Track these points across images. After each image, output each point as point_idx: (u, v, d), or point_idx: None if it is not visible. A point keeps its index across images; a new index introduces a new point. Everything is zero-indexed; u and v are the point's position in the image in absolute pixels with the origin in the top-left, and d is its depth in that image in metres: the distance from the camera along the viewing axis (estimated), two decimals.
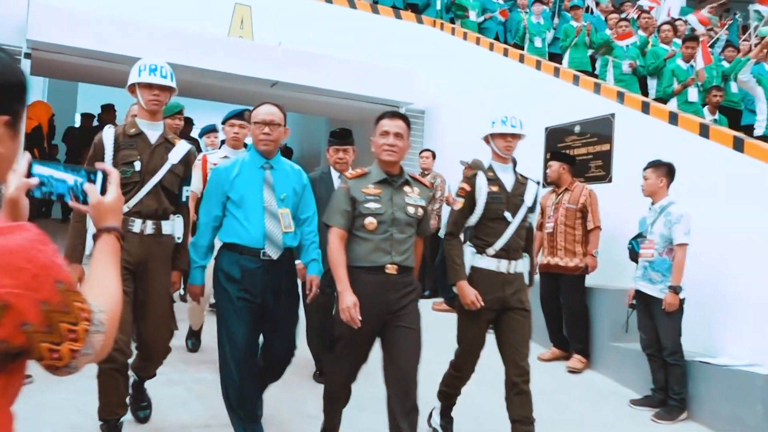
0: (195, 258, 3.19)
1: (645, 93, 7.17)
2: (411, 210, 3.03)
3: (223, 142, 5.06)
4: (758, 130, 5.69)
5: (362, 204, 2.98)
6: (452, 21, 9.41)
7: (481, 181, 3.47)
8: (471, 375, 3.60)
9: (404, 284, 3.01)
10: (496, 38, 8.89)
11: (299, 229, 3.24)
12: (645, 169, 4.55)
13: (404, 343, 2.98)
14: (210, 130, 5.89)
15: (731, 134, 4.90)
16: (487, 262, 3.45)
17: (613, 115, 5.85)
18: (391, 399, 2.91)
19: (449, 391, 3.69)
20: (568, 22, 8.39)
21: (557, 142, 6.45)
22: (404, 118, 3.12)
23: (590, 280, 5.24)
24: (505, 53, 7.62)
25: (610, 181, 5.83)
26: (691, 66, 6.73)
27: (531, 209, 3.57)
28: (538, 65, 7.05)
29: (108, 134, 3.16)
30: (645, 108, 5.59)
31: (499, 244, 3.44)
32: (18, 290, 0.93)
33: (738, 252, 4.62)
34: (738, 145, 4.76)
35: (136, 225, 3.12)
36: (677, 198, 4.47)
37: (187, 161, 3.31)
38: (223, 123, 4.61)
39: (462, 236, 3.57)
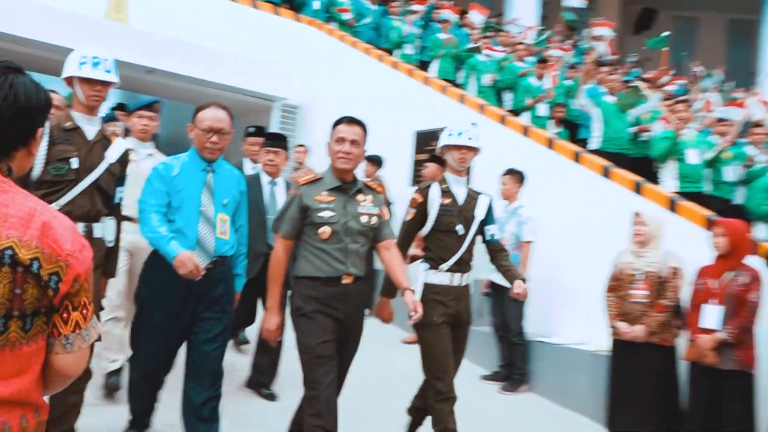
0: (155, 236, 2.86)
1: (501, 104, 8.00)
2: (364, 219, 2.98)
3: (126, 131, 4.76)
4: (593, 145, 6.61)
5: (315, 212, 2.90)
6: (328, 21, 9.78)
7: (434, 192, 3.39)
8: (454, 394, 3.32)
9: (358, 293, 3.01)
10: (369, 43, 9.38)
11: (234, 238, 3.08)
12: (503, 175, 5.23)
13: (341, 360, 3.00)
14: (109, 119, 5.39)
15: (572, 148, 5.72)
16: (440, 278, 3.37)
17: (474, 123, 6.53)
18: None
19: (444, 427, 3.30)
20: (435, 32, 9.05)
21: (425, 145, 7.06)
22: (361, 124, 3.02)
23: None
24: (380, 59, 8.13)
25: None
26: (542, 84, 7.60)
27: (485, 222, 3.51)
28: (410, 73, 7.62)
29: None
30: (502, 120, 6.33)
31: (453, 259, 3.37)
32: (76, 255, 1.29)
33: (573, 250, 5.43)
34: (576, 158, 5.59)
35: None
36: (526, 202, 5.19)
37: (124, 160, 3.13)
38: (130, 113, 4.31)
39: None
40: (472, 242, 3.46)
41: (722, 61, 18.51)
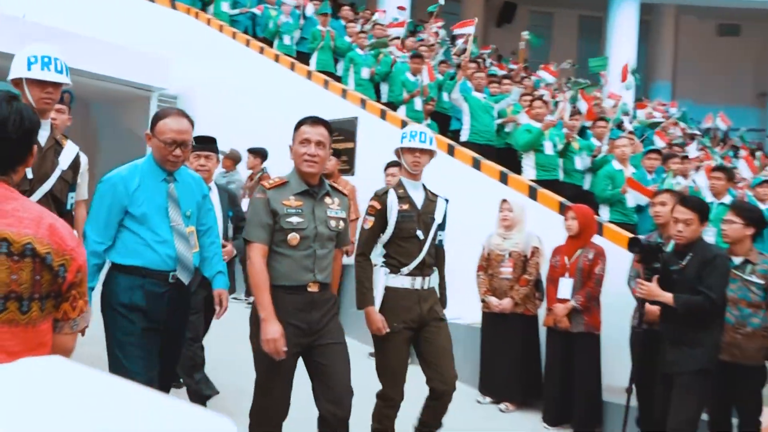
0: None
1: (379, 96, 8.45)
2: (333, 223, 2.90)
3: None
4: (463, 137, 7.23)
5: (284, 218, 2.78)
6: (203, 8, 9.75)
7: (392, 199, 3.34)
8: (401, 401, 3.37)
9: (325, 301, 2.90)
10: (245, 32, 9.48)
11: (200, 243, 2.93)
12: (389, 167, 5.65)
13: (333, 360, 2.86)
14: None
15: (446, 141, 6.27)
16: (401, 281, 3.33)
17: (356, 118, 6.93)
18: (327, 417, 2.82)
19: (382, 427, 3.42)
20: (314, 24, 9.32)
21: None
22: (326, 124, 2.91)
23: (346, 260, 6.24)
24: (261, 51, 8.30)
25: (353, 174, 6.91)
26: (417, 79, 8.12)
27: (441, 227, 3.51)
28: (293, 66, 7.87)
29: None
30: (383, 114, 6.77)
31: (414, 263, 3.33)
32: (77, 250, 1.61)
33: (448, 235, 5.97)
34: (450, 151, 6.14)
35: None
36: None
37: (75, 165, 2.96)
38: None
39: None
40: (432, 245, 3.43)
41: (574, 55, 20.16)
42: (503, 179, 5.87)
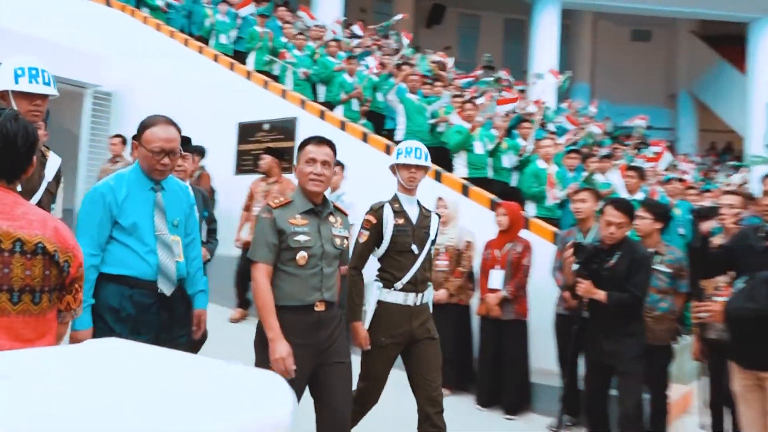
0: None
1: (316, 96, 8.67)
2: (338, 242, 2.93)
3: None
4: (398, 137, 7.56)
5: (291, 236, 2.79)
6: (138, 6, 9.68)
7: (387, 213, 3.38)
8: (372, 407, 3.45)
9: (332, 319, 2.91)
10: (182, 30, 9.49)
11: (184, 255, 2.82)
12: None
13: (336, 382, 2.88)
14: None
15: (383, 141, 6.58)
16: (394, 297, 3.34)
17: (296, 118, 7.14)
18: None
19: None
20: (251, 24, 9.44)
21: (248, 136, 7.52)
22: (331, 144, 2.94)
23: None
24: (200, 51, 8.36)
25: (291, 172, 7.11)
26: (354, 80, 8.38)
27: (433, 241, 3.55)
28: (232, 66, 7.99)
29: None
30: (322, 115, 7.02)
31: (407, 277, 3.35)
32: (77, 248, 1.86)
33: None
34: (387, 150, 6.46)
35: None
36: (347, 189, 5.94)
37: (58, 176, 2.95)
38: None
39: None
40: (426, 260, 3.47)
41: (500, 58, 20.89)
42: (437, 177, 6.23)
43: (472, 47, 21.89)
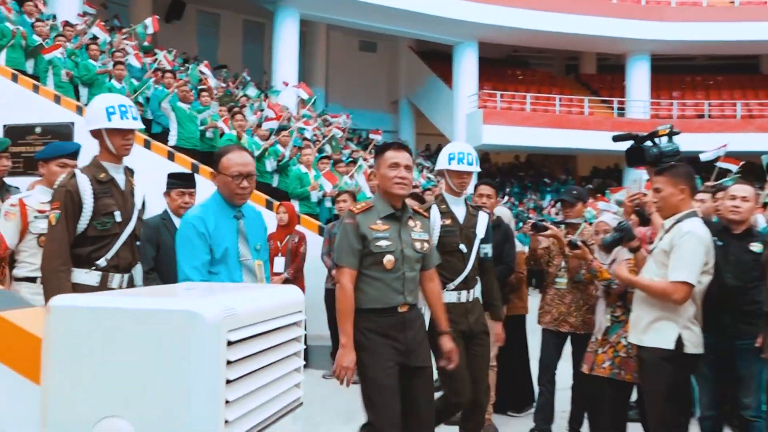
0: None
1: (78, 97, 8.83)
2: (418, 245, 2.98)
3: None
4: (171, 142, 8.20)
5: (373, 242, 2.86)
6: None
7: (435, 214, 3.43)
8: (466, 401, 3.44)
9: (415, 320, 3.00)
10: None
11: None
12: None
13: (422, 387, 2.97)
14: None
15: (165, 148, 7.26)
16: (448, 297, 3.38)
17: (73, 123, 7.40)
18: None
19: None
20: (2, 22, 9.16)
21: (17, 139, 7.51)
22: (408, 149, 3.02)
23: None
24: None
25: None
26: (122, 86, 8.74)
27: (484, 240, 3.58)
28: None
29: (83, 181, 2.82)
30: None
31: (460, 278, 3.43)
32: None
33: None
34: (171, 156, 7.16)
35: (115, 280, 2.88)
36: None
37: (143, 204, 3.10)
38: (48, 160, 3.54)
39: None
40: (476, 258, 3.53)
41: (239, 59, 21.62)
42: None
43: (212, 46, 22.29)
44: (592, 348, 3.75)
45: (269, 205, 6.70)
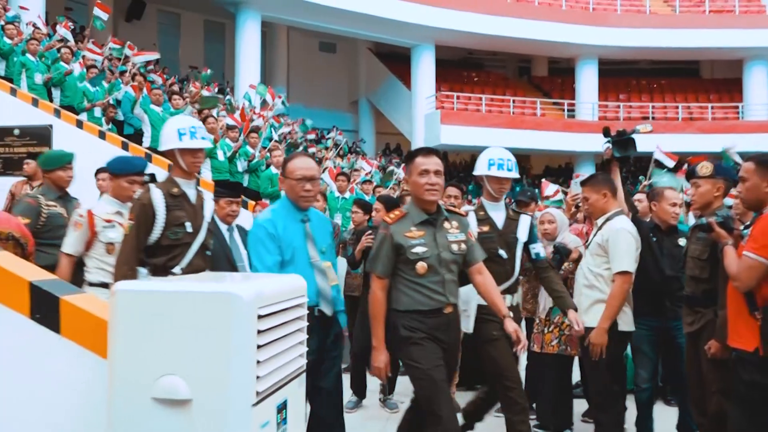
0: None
1: (51, 99, 9.06)
2: (455, 247, 3.00)
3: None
4: (145, 143, 8.53)
5: (409, 249, 2.90)
6: None
7: (471, 221, 3.41)
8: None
9: (457, 320, 3.10)
10: None
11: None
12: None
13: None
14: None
15: (143, 150, 7.61)
16: None
17: (51, 126, 7.67)
18: None
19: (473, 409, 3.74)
20: None
21: None
22: (438, 153, 3.04)
23: None
24: None
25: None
26: (96, 90, 9.02)
27: (529, 241, 3.57)
28: None
29: (157, 195, 3.04)
30: (80, 124, 7.71)
31: (508, 283, 3.47)
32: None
33: None
34: (125, 146, 7.52)
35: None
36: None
37: (212, 217, 3.35)
38: (119, 175, 3.71)
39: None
40: (522, 263, 3.57)
41: (201, 59, 21.71)
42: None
43: (174, 45, 22.33)
44: (538, 329, 4.32)
45: (245, 205, 7.10)
